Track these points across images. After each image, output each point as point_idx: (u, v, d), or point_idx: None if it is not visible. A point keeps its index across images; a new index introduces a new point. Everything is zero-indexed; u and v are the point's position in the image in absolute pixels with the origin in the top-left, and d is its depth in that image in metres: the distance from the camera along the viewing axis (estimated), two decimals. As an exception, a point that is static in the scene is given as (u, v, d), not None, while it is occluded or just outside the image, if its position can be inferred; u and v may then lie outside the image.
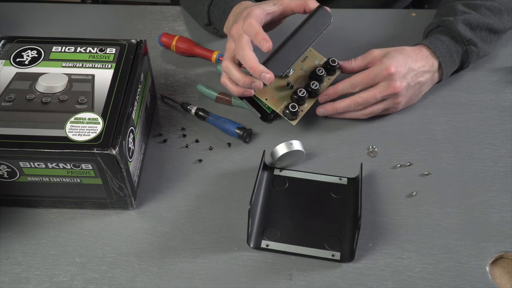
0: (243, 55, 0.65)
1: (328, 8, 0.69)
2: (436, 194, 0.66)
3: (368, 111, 0.72)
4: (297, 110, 0.69)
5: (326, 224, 0.63)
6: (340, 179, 0.68)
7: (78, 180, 0.60)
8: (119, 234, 0.63)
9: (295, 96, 0.70)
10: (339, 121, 0.75)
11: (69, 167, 0.59)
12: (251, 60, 0.65)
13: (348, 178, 0.68)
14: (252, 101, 0.72)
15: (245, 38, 0.66)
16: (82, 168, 0.59)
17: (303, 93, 0.70)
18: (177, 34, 0.84)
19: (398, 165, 0.69)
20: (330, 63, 0.72)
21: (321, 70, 0.72)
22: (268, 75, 0.64)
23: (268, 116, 0.73)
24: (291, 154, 0.67)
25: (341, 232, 0.62)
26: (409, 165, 0.69)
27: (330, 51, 0.75)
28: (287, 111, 0.69)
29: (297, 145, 0.67)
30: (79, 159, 0.58)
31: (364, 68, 0.73)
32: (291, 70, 0.73)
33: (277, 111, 0.70)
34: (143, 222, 0.64)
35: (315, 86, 0.71)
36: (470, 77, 0.81)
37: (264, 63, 0.66)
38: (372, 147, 0.72)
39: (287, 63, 0.68)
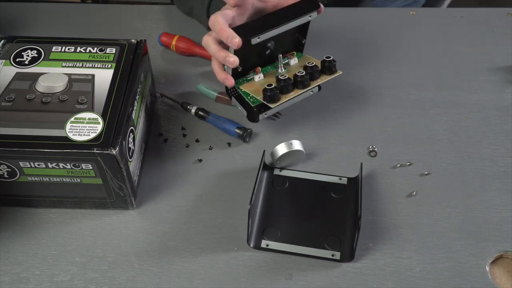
0: (213, 20, 0.65)
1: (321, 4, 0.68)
2: (436, 194, 0.66)
3: None
4: (274, 91, 0.66)
5: (326, 224, 0.63)
6: (340, 179, 0.68)
7: (78, 180, 0.60)
8: (119, 234, 0.63)
9: (279, 83, 0.68)
10: (339, 120, 0.75)
11: (69, 167, 0.58)
12: (220, 24, 0.64)
13: (348, 178, 0.67)
14: (240, 98, 0.71)
15: (223, 10, 0.66)
16: (82, 168, 0.58)
17: (284, 76, 0.67)
18: (177, 34, 0.84)
19: (398, 165, 0.69)
20: (325, 58, 0.70)
21: (311, 62, 0.69)
22: (236, 39, 0.63)
23: (253, 113, 0.71)
24: (291, 154, 0.67)
25: (341, 231, 0.62)
26: (409, 165, 0.69)
27: (329, 50, 0.75)
28: (265, 93, 0.67)
29: (297, 145, 0.67)
30: (79, 159, 0.57)
31: None
32: (282, 68, 0.71)
33: (258, 98, 0.68)
34: (143, 222, 0.64)
35: (301, 73, 0.68)
36: (470, 77, 0.81)
37: (235, 28, 0.64)
38: (372, 146, 0.71)
39: (258, 30, 0.65)
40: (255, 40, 0.65)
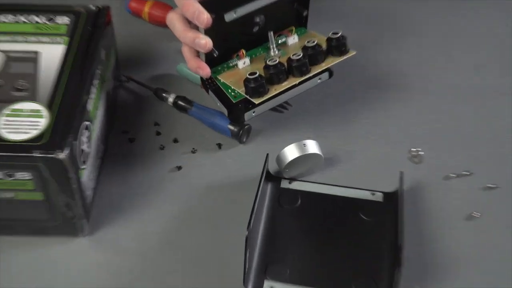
0: None
1: None
2: (506, 215, 0.59)
3: None
4: (260, 82, 0.60)
5: (354, 259, 0.56)
6: (373, 194, 0.61)
7: (11, 195, 0.54)
8: (64, 272, 0.55)
9: (267, 70, 0.62)
10: (367, 114, 0.69)
11: (-1, 177, 0.53)
12: None
13: (384, 193, 0.61)
14: (219, 91, 0.65)
15: None
16: (16, 178, 0.53)
17: (274, 61, 0.61)
18: (150, -2, 0.81)
19: (453, 175, 0.63)
20: (331, 36, 0.63)
21: (312, 41, 0.63)
22: (203, 15, 0.59)
23: (236, 111, 0.65)
24: (304, 159, 0.61)
25: (376, 270, 0.55)
26: (468, 174, 0.62)
27: (346, 25, 0.67)
28: (247, 84, 0.61)
29: (312, 146, 0.61)
30: (13, 165, 0.52)
31: None
32: (275, 50, 0.65)
33: (239, 91, 0.62)
34: (97, 255, 0.57)
35: (297, 56, 0.61)
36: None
37: (204, 1, 0.60)
38: (416, 150, 0.65)
39: (233, 2, 0.61)
40: (229, 16, 0.61)
